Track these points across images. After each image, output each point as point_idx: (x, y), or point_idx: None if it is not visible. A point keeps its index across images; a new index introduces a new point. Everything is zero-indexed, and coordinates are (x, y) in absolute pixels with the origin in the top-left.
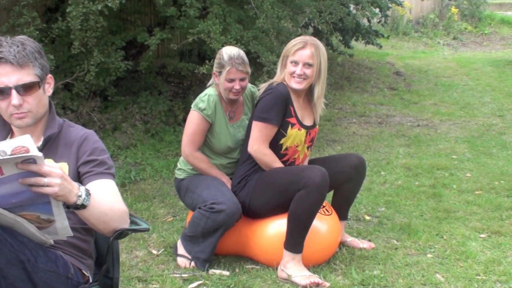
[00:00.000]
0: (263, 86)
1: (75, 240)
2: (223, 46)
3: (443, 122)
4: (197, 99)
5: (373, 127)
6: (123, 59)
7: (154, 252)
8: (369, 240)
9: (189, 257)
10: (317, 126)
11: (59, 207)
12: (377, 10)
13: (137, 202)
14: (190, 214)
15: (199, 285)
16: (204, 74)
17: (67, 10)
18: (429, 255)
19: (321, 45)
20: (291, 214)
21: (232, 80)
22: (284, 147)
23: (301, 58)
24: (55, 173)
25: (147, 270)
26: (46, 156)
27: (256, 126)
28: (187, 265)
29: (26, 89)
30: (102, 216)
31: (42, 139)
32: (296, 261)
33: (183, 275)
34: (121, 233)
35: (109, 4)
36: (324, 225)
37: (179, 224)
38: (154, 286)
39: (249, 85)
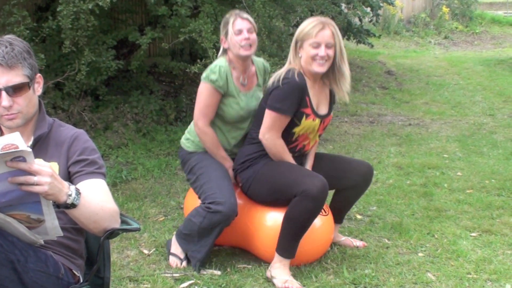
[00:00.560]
0: (279, 73)
1: (65, 240)
2: (214, 45)
3: (434, 121)
4: (208, 71)
5: (365, 126)
6: (114, 58)
7: (146, 251)
8: (361, 240)
9: (181, 256)
10: (331, 114)
11: (49, 207)
12: (368, 9)
13: (128, 202)
14: (186, 205)
15: (191, 284)
16: (196, 74)
17: (58, 9)
18: (420, 254)
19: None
20: (285, 218)
21: (240, 32)
22: (295, 136)
23: (323, 39)
24: (45, 171)
25: (138, 269)
26: (36, 156)
27: (269, 115)
28: (179, 265)
29: (16, 90)
30: (93, 216)
31: (32, 139)
32: (282, 264)
33: (174, 275)
34: (112, 233)
35: (100, 3)
36: (318, 225)
37: (170, 223)
38: (146, 285)
39: (262, 59)
